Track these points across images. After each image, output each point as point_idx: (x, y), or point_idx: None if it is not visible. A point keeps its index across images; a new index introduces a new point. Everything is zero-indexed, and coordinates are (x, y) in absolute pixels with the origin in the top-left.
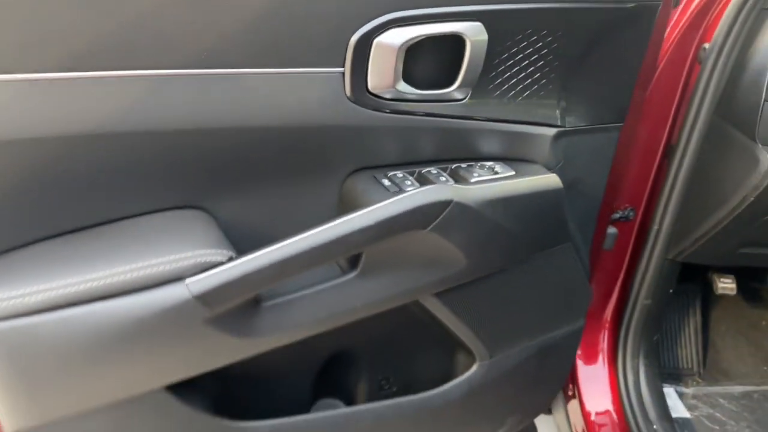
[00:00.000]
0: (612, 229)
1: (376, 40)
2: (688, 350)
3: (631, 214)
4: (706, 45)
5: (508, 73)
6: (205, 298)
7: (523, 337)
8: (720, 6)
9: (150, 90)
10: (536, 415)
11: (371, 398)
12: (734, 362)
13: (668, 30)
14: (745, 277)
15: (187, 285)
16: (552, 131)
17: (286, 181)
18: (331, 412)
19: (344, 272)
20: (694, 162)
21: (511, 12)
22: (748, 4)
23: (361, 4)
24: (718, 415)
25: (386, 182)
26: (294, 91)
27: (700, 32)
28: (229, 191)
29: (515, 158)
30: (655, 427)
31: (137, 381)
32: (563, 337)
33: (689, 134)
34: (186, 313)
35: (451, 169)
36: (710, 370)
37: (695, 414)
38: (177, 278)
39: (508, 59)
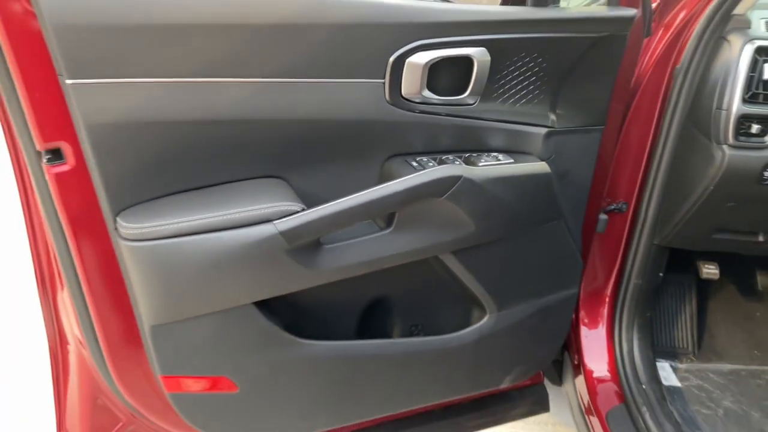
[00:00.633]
0: (603, 216)
1: (407, 60)
2: (685, 332)
3: (624, 206)
4: (678, 66)
5: (508, 85)
6: (286, 235)
7: (526, 296)
8: (688, 34)
9: (254, 91)
10: (539, 368)
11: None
12: (727, 346)
13: (649, 53)
14: (734, 265)
15: (274, 224)
16: (544, 130)
17: (341, 160)
18: (372, 341)
19: (382, 229)
20: (671, 160)
21: (508, 40)
22: (706, 34)
23: (397, 34)
24: (706, 386)
25: (414, 164)
26: (349, 95)
27: (674, 55)
28: (301, 166)
29: (515, 151)
30: (644, 387)
31: (236, 295)
32: (560, 300)
33: (666, 137)
34: (273, 245)
35: (465, 156)
36: (704, 351)
37: (685, 384)
38: (267, 220)
39: (507, 75)
